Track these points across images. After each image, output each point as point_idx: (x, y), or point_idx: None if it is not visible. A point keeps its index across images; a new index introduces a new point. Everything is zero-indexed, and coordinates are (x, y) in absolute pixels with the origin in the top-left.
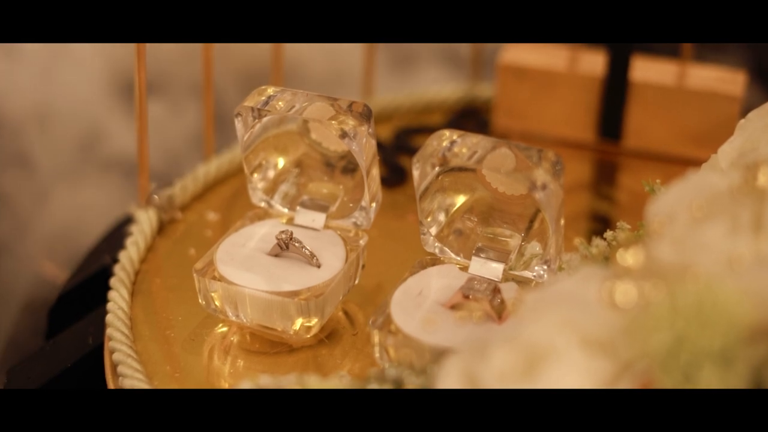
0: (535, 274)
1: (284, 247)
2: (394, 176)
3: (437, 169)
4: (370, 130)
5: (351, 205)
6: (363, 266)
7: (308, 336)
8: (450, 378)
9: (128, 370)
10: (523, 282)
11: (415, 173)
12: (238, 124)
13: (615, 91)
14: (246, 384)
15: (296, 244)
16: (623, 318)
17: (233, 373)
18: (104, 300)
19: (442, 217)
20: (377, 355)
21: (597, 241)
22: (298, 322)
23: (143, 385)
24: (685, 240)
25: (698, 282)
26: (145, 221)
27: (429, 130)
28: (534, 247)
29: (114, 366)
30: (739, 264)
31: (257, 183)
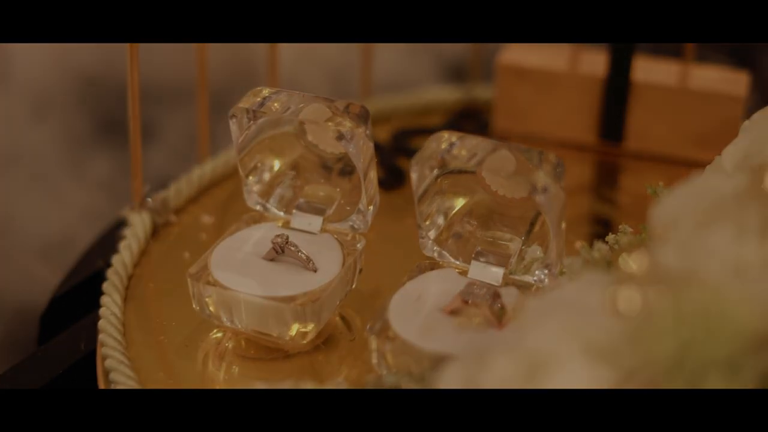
0: (535, 278)
1: (280, 251)
2: (392, 179)
3: (436, 171)
4: (368, 131)
5: (348, 208)
6: (360, 270)
7: (304, 342)
8: (449, 385)
9: (121, 376)
10: (523, 286)
11: (414, 176)
12: (233, 125)
13: (616, 91)
14: None
15: (292, 248)
16: (627, 325)
17: (228, 379)
18: (97, 305)
19: (441, 221)
20: (375, 361)
21: (599, 244)
22: (294, 328)
23: None
24: (690, 245)
25: (704, 288)
26: (138, 224)
27: (428, 132)
28: (535, 250)
29: (106, 372)
30: (745, 270)
31: (253, 186)
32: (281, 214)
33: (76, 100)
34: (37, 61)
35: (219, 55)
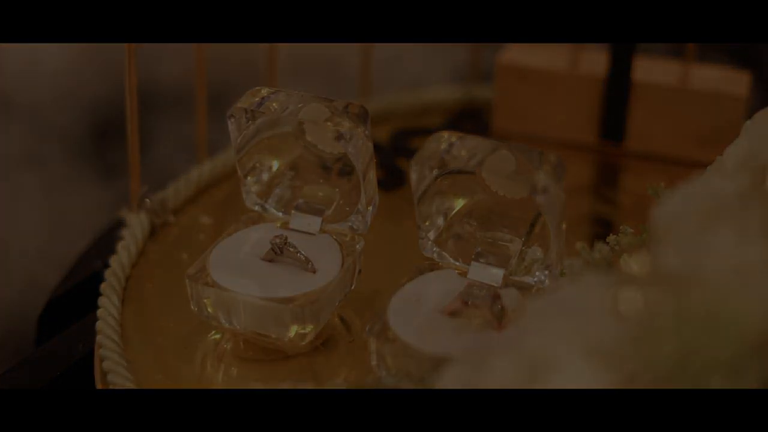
0: (536, 279)
1: (278, 251)
2: (392, 179)
3: (435, 171)
4: (367, 131)
5: (347, 208)
6: (359, 271)
7: (303, 343)
8: (449, 387)
9: (118, 378)
10: (523, 288)
11: (413, 176)
12: (231, 126)
13: (617, 91)
14: None
15: (291, 249)
16: (628, 327)
17: (226, 381)
18: (95, 306)
19: (440, 221)
20: (374, 363)
21: (600, 245)
22: (293, 329)
23: None
24: (692, 246)
25: (706, 289)
26: (136, 225)
27: (427, 132)
28: (535, 251)
29: (104, 374)
30: (747, 271)
31: (251, 186)
32: (280, 214)
33: (76, 109)
34: (37, 71)
35: (219, 55)
